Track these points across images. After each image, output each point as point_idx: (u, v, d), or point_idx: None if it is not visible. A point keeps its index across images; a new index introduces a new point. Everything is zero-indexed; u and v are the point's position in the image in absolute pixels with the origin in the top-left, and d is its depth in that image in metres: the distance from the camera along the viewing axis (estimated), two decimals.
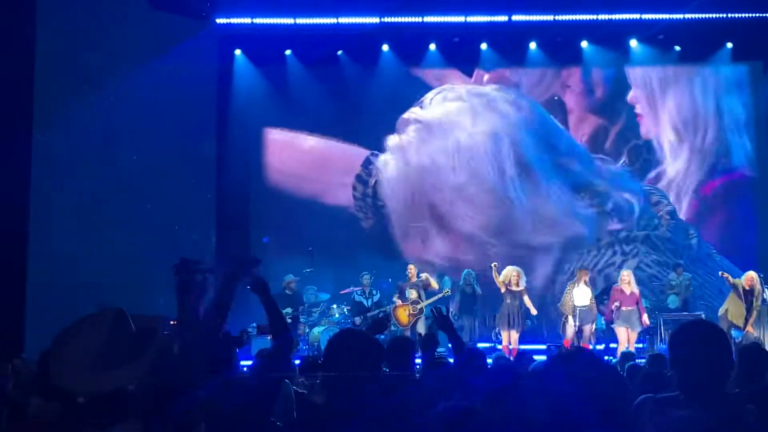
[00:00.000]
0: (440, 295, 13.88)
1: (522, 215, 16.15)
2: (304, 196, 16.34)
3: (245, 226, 16.25)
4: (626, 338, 12.66)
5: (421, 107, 16.48)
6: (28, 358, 7.58)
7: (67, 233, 12.41)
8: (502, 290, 13.25)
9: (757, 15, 15.46)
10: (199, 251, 13.90)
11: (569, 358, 2.71)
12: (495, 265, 13.58)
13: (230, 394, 3.87)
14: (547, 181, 16.22)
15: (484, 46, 16.15)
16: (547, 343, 13.27)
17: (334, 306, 14.43)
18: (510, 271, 13.41)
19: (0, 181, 11.20)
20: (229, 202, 15.79)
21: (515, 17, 15.61)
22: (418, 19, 15.61)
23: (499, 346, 13.42)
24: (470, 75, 16.68)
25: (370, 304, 14.04)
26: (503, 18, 15.63)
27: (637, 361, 8.29)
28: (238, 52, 16.13)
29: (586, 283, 13.07)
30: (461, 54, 16.24)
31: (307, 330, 14.16)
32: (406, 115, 16.42)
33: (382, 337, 11.89)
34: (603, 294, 13.70)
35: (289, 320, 13.39)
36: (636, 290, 12.91)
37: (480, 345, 13.85)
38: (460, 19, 15.65)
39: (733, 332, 12.10)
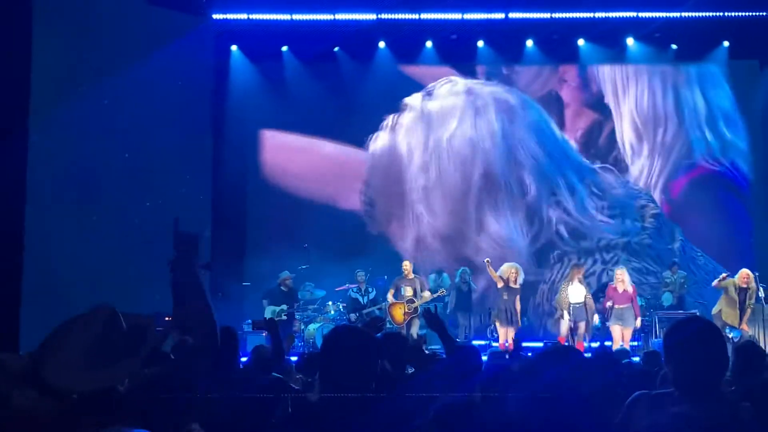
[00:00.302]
0: (437, 294, 13.90)
1: (472, 230, 16.09)
2: (300, 192, 16.33)
3: (242, 223, 16.25)
4: (620, 336, 12.69)
5: (426, 94, 16.48)
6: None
7: (63, 231, 12.39)
8: (500, 285, 13.25)
9: (754, 14, 15.48)
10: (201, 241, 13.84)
11: (552, 355, 2.72)
12: (488, 261, 13.62)
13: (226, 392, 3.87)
14: (510, 201, 16.15)
15: (480, 43, 16.16)
16: (544, 340, 13.31)
17: (330, 303, 14.43)
18: (509, 268, 13.44)
19: None
20: (225, 199, 15.78)
21: (512, 15, 15.62)
22: (415, 16, 15.60)
23: (495, 344, 13.43)
24: (466, 73, 16.66)
25: (365, 301, 14.06)
26: (500, 15, 15.64)
27: (632, 359, 8.31)
28: (234, 48, 16.11)
29: (580, 280, 13.09)
30: (458, 51, 16.24)
31: (303, 327, 14.16)
32: (408, 99, 16.44)
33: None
34: (599, 292, 13.72)
35: (285, 317, 13.40)
36: (630, 288, 12.93)
37: (475, 342, 13.91)
38: (457, 16, 15.65)
39: (732, 331, 12.13)
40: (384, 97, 16.31)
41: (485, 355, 8.50)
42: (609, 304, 12.82)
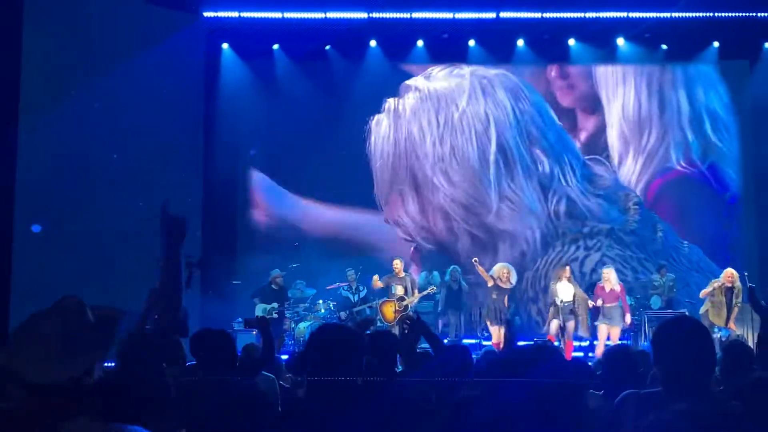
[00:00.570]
0: (426, 292, 13.90)
1: (492, 199, 16.28)
2: (292, 189, 16.34)
3: (232, 220, 16.23)
4: (605, 335, 12.73)
5: (425, 78, 16.51)
6: None
7: (53, 229, 12.35)
8: (490, 284, 13.27)
9: (744, 14, 15.53)
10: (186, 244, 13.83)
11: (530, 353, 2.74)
12: (476, 260, 13.65)
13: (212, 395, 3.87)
14: (525, 173, 16.33)
15: (472, 42, 16.17)
16: (534, 338, 13.33)
17: (320, 301, 14.43)
18: (501, 268, 13.47)
19: None
20: (216, 196, 15.75)
21: (503, 14, 15.64)
22: (406, 15, 15.60)
23: (486, 343, 13.45)
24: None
25: (356, 299, 14.06)
26: (491, 15, 15.66)
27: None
28: (225, 46, 16.07)
29: (568, 279, 13.12)
30: (449, 50, 16.26)
31: (293, 325, 14.16)
32: (409, 82, 16.49)
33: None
34: (589, 290, 13.75)
35: (275, 315, 13.39)
36: (617, 287, 12.97)
37: (466, 341, 13.92)
38: (449, 15, 15.66)
39: (721, 330, 12.16)
40: (375, 96, 16.30)
41: (477, 354, 8.52)
42: (599, 303, 12.88)
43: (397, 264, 13.90)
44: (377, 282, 13.73)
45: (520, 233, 16.20)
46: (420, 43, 16.13)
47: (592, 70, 16.63)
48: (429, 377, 4.39)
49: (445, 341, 13.93)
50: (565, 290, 12.99)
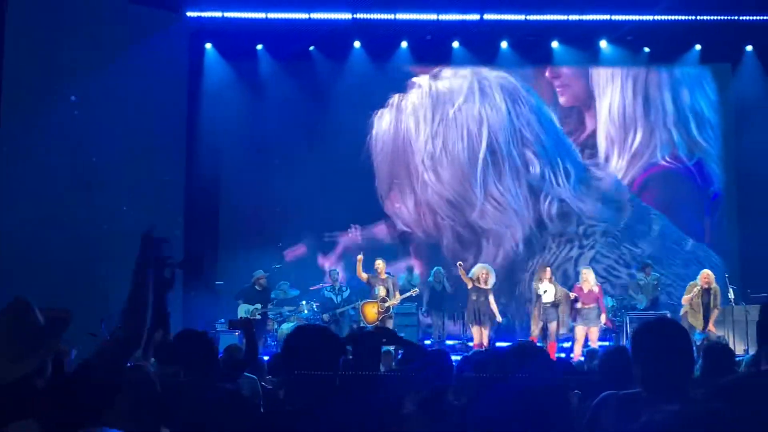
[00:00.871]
0: (408, 294, 13.91)
1: (477, 197, 16.41)
2: (275, 188, 16.34)
3: (214, 221, 16.18)
4: (583, 336, 12.77)
5: (432, 77, 16.64)
6: None
7: (33, 228, 12.27)
8: (470, 286, 13.31)
9: (725, 18, 15.63)
10: (167, 246, 13.76)
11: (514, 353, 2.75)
12: (461, 264, 13.66)
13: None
14: (514, 174, 16.42)
15: (456, 44, 16.20)
16: (518, 338, 13.37)
17: (304, 302, 14.42)
18: (479, 269, 13.50)
19: None
20: (198, 197, 15.70)
21: (487, 16, 15.67)
22: (390, 16, 15.60)
23: (470, 344, 13.49)
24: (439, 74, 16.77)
25: (339, 300, 14.05)
26: (475, 17, 15.69)
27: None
28: (208, 45, 16.03)
29: (550, 280, 13.13)
30: (433, 52, 16.28)
31: (276, 326, 14.14)
32: (415, 79, 16.62)
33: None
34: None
35: (258, 316, 13.36)
36: (595, 288, 13.01)
37: (449, 342, 13.97)
38: (432, 16, 15.67)
39: (695, 335, 12.20)
40: (359, 97, 16.30)
41: (458, 355, 8.55)
42: (578, 305, 12.88)
43: (379, 264, 13.86)
44: (360, 267, 13.60)
45: (502, 233, 16.26)
46: (404, 44, 16.15)
47: (581, 71, 16.73)
48: (410, 379, 4.40)
49: (428, 342, 14.03)
50: (546, 291, 13.03)
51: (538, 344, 11.87)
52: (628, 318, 13.83)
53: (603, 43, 16.18)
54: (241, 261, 14.65)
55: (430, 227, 16.43)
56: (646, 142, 16.54)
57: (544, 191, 16.41)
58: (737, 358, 6.60)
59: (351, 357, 4.38)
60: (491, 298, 13.35)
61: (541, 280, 13.17)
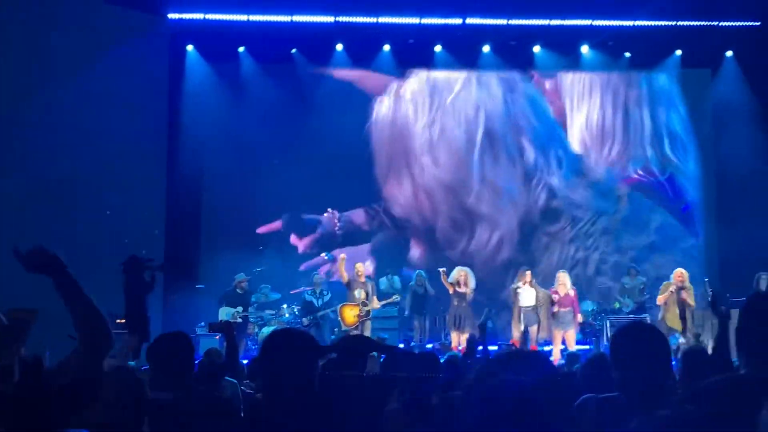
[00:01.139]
0: (389, 300, 13.91)
1: (474, 181, 16.61)
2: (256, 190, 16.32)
3: (196, 224, 16.11)
4: (560, 340, 12.80)
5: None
6: None
7: (11, 231, 12.17)
8: (451, 291, 13.33)
9: (706, 23, 15.76)
10: (147, 248, 13.74)
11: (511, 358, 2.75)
12: (443, 270, 13.66)
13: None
14: (510, 160, 16.67)
15: (438, 48, 16.23)
16: (499, 342, 13.39)
17: (284, 306, 14.39)
18: (458, 272, 13.49)
19: None
20: (180, 200, 15.62)
21: (469, 20, 15.71)
22: (373, 20, 15.60)
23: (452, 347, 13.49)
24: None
25: (320, 303, 14.00)
26: (457, 21, 15.73)
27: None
28: (190, 47, 15.96)
29: (530, 284, 13.15)
30: (415, 55, 16.30)
31: (257, 330, 14.10)
32: (417, 69, 16.75)
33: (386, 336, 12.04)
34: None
35: (239, 320, 13.30)
36: (571, 292, 13.05)
37: (429, 346, 13.96)
38: (415, 20, 15.69)
39: (671, 338, 12.23)
40: (340, 99, 16.30)
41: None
42: (554, 308, 12.90)
43: (360, 268, 13.86)
44: (343, 266, 13.57)
45: (498, 218, 16.44)
46: (386, 47, 16.15)
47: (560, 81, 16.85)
48: (393, 382, 4.39)
49: (410, 344, 14.02)
50: (527, 295, 13.05)
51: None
52: (608, 322, 13.88)
53: (584, 48, 16.26)
54: (223, 263, 14.58)
55: (427, 212, 16.57)
56: (621, 157, 16.71)
57: (536, 177, 16.57)
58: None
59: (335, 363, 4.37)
60: (467, 303, 13.30)
61: (521, 284, 13.19)
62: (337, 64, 16.26)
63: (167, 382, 4.13)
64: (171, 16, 15.21)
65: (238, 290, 13.83)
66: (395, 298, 14.06)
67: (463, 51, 16.23)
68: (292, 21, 15.44)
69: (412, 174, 16.65)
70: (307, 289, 14.38)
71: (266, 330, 13.78)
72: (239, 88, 16.18)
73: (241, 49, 16.10)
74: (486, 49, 16.24)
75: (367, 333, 13.27)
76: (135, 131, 14.05)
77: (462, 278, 13.35)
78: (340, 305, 13.65)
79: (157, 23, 14.92)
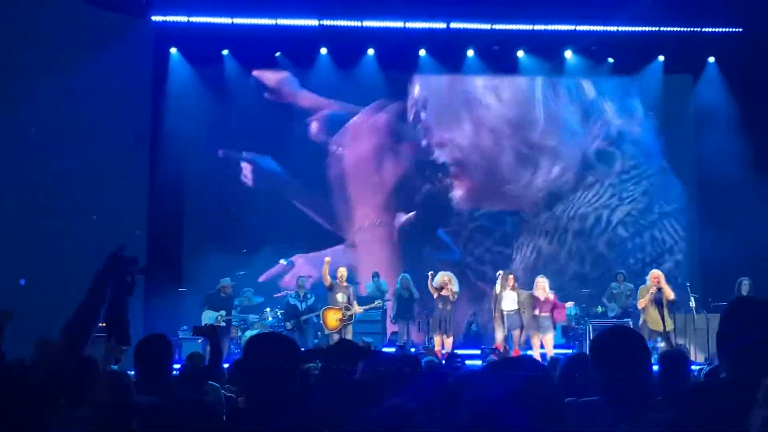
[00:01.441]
0: (372, 306, 13.90)
1: (541, 116, 16.93)
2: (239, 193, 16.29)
3: (179, 227, 16.04)
4: (538, 344, 12.80)
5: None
6: None
7: None
8: (435, 296, 13.33)
9: (688, 29, 15.87)
10: (128, 251, 13.66)
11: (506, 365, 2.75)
12: (431, 274, 13.64)
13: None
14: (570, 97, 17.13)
15: (422, 52, 16.25)
16: (482, 346, 13.40)
17: (268, 309, 14.35)
18: (442, 277, 13.48)
19: None
20: (163, 203, 15.55)
21: (453, 25, 15.75)
22: (357, 24, 15.61)
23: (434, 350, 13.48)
24: (408, 80, 16.80)
25: (304, 307, 13.96)
26: (442, 25, 15.76)
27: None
28: (173, 50, 15.90)
29: (513, 287, 13.14)
30: (399, 59, 16.31)
31: (240, 334, 14.04)
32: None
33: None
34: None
35: (223, 323, 13.26)
36: (551, 295, 13.05)
37: (413, 350, 13.93)
38: (399, 24, 15.71)
39: (649, 342, 12.24)
40: (325, 102, 16.32)
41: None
42: (536, 312, 12.90)
43: (342, 272, 13.82)
44: (327, 269, 13.54)
45: (562, 151, 16.79)
46: (371, 51, 16.16)
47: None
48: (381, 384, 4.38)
49: (392, 350, 14.01)
50: (509, 299, 13.04)
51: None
52: (591, 325, 13.91)
53: (568, 53, 16.33)
54: (205, 266, 14.53)
55: (489, 148, 16.80)
56: None
57: (593, 117, 16.99)
58: (697, 365, 6.68)
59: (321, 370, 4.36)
60: (451, 307, 13.30)
61: (504, 287, 13.17)
62: (322, 67, 16.24)
63: (149, 385, 4.12)
64: (155, 18, 15.16)
65: (221, 294, 13.78)
66: (377, 303, 14.04)
67: (447, 55, 16.26)
68: (276, 24, 15.42)
69: (474, 114, 16.87)
70: (291, 292, 14.35)
71: (249, 334, 13.73)
72: (222, 91, 16.14)
73: (225, 52, 16.06)
74: (470, 53, 16.28)
75: (349, 337, 13.25)
76: (118, 133, 13.99)
77: (445, 282, 13.34)
78: (323, 309, 13.62)
79: (141, 26, 14.86)
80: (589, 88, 16.97)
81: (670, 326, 12.30)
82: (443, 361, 9.74)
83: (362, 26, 15.65)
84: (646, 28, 15.80)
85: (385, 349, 13.23)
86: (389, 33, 15.79)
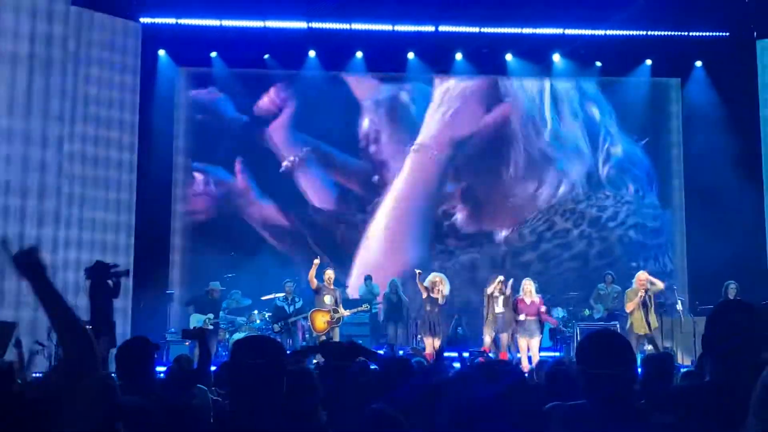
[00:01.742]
0: (359, 309, 13.88)
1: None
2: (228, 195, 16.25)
3: (166, 229, 15.99)
4: (525, 348, 12.79)
5: None
6: None
7: None
8: (424, 296, 13.28)
9: (676, 33, 15.94)
10: (117, 253, 13.66)
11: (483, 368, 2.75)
12: (419, 272, 13.63)
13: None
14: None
15: (411, 55, 16.26)
16: (471, 349, 13.39)
17: (255, 312, 14.31)
18: (433, 277, 13.45)
19: None
20: (150, 205, 15.49)
21: (442, 28, 15.77)
22: (346, 26, 15.61)
23: (425, 353, 13.46)
24: (396, 82, 16.83)
25: (291, 310, 13.94)
26: (430, 28, 15.78)
27: None
28: (162, 52, 15.86)
29: (500, 291, 13.13)
30: (388, 62, 16.32)
31: (227, 336, 14.01)
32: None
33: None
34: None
35: (211, 326, 13.22)
36: (536, 299, 13.04)
37: (401, 352, 13.92)
38: (388, 27, 15.72)
39: (640, 345, 12.23)
40: (312, 105, 16.29)
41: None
42: (521, 317, 12.89)
43: (329, 275, 13.79)
44: (314, 272, 13.51)
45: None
46: (359, 54, 16.16)
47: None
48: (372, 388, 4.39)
49: (380, 352, 13.99)
50: (502, 302, 13.02)
51: (491, 355, 11.93)
52: (578, 328, 13.92)
53: (556, 57, 16.37)
54: (193, 268, 14.50)
55: None
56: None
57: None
58: (684, 368, 6.70)
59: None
60: (439, 309, 13.27)
61: (498, 290, 13.15)
62: (310, 69, 16.24)
63: (132, 386, 4.10)
64: (143, 20, 15.10)
65: (209, 297, 13.74)
66: (365, 307, 14.02)
67: (435, 58, 16.29)
68: (265, 26, 15.41)
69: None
70: (279, 295, 14.32)
71: (237, 337, 13.70)
72: (211, 93, 16.13)
73: (213, 54, 16.04)
74: (458, 56, 16.31)
75: (336, 339, 13.23)
76: (105, 135, 13.94)
77: (437, 282, 13.29)
78: (311, 311, 13.59)
79: (129, 27, 14.79)
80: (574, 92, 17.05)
81: (655, 324, 12.30)
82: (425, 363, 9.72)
83: (351, 29, 15.65)
84: (634, 32, 15.86)
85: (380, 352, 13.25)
86: (378, 36, 15.80)
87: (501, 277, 13.47)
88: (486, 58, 16.27)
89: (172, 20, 15.30)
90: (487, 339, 13.03)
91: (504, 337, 12.96)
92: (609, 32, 15.73)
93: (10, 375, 2.54)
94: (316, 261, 13.53)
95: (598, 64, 16.44)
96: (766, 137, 15.18)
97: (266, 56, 16.05)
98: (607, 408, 2.74)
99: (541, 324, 13.08)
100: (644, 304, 12.31)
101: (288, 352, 3.73)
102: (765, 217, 15.05)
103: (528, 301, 12.91)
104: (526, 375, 8.20)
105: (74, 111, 13.44)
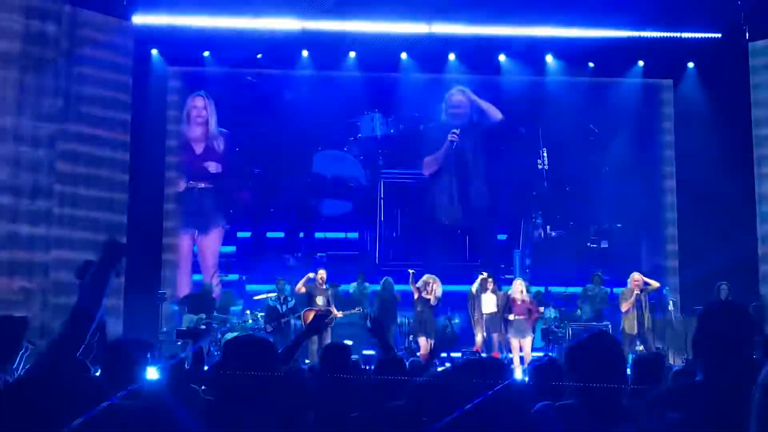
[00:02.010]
0: (352, 311, 13.89)
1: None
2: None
3: (158, 228, 15.96)
4: (518, 348, 12.82)
5: None
6: None
7: None
8: (416, 296, 13.30)
9: (668, 35, 15.96)
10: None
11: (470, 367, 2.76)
12: (412, 272, 13.64)
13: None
14: None
15: (404, 55, 16.26)
16: (463, 349, 13.41)
17: (248, 312, 14.30)
18: (427, 277, 13.47)
19: None
20: (142, 204, 15.45)
21: (435, 28, 15.76)
22: (339, 27, 15.60)
23: (419, 353, 13.47)
24: (388, 82, 16.84)
25: (284, 310, 13.93)
26: (424, 29, 15.77)
27: None
28: (154, 52, 15.83)
29: (492, 290, 13.14)
30: (381, 62, 16.32)
31: (220, 336, 13.99)
32: None
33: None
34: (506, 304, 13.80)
35: (203, 326, 13.21)
36: (527, 298, 13.08)
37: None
38: (381, 28, 15.70)
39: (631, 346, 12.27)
40: (304, 105, 16.30)
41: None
42: (512, 317, 12.91)
43: (321, 274, 13.81)
44: (301, 287, 13.62)
45: None
46: (352, 54, 16.15)
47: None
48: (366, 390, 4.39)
49: (373, 352, 13.99)
50: (489, 301, 13.05)
51: (483, 355, 11.95)
52: (570, 329, 13.95)
53: (549, 58, 16.39)
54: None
55: None
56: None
57: None
58: (674, 368, 6.70)
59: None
60: (431, 310, 13.26)
61: (484, 290, 13.17)
62: (303, 69, 16.23)
63: (118, 387, 4.09)
64: (136, 19, 15.05)
65: (202, 296, 13.73)
66: (357, 309, 14.03)
67: (428, 58, 16.29)
68: (258, 26, 15.37)
69: None
70: (271, 295, 14.31)
71: (229, 336, 13.68)
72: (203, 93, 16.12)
73: (206, 53, 16.01)
74: (452, 57, 16.31)
75: (328, 340, 13.22)
76: (98, 135, 13.91)
77: (430, 283, 13.31)
78: (304, 310, 13.60)
79: (122, 26, 14.75)
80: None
81: (648, 324, 12.34)
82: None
83: (344, 30, 15.63)
84: (627, 34, 15.87)
85: (366, 352, 13.25)
86: (371, 36, 15.79)
87: (484, 274, 13.50)
88: (479, 59, 16.29)
89: (164, 20, 15.26)
90: (478, 339, 13.06)
91: (495, 337, 12.99)
92: (602, 33, 15.74)
93: (24, 325, 2.60)
94: (303, 281, 13.59)
95: (591, 65, 16.46)
96: (757, 139, 15.21)
97: (259, 56, 16.03)
98: (595, 409, 2.75)
99: (533, 323, 13.11)
100: (639, 304, 12.35)
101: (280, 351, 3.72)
102: (756, 218, 15.08)
103: (519, 300, 12.94)
104: (522, 376, 8.22)
105: (67, 110, 13.39)
